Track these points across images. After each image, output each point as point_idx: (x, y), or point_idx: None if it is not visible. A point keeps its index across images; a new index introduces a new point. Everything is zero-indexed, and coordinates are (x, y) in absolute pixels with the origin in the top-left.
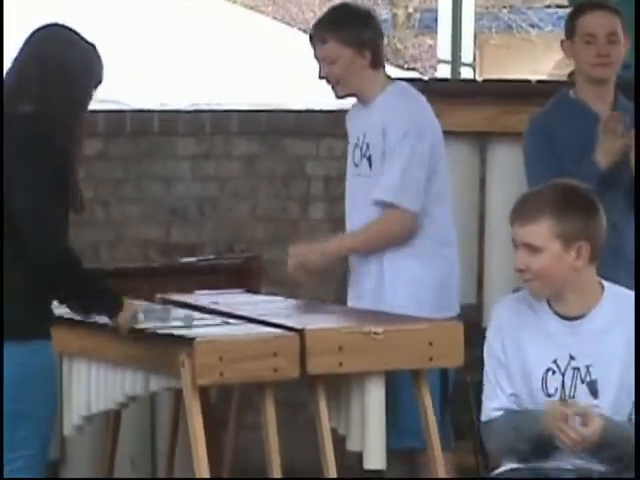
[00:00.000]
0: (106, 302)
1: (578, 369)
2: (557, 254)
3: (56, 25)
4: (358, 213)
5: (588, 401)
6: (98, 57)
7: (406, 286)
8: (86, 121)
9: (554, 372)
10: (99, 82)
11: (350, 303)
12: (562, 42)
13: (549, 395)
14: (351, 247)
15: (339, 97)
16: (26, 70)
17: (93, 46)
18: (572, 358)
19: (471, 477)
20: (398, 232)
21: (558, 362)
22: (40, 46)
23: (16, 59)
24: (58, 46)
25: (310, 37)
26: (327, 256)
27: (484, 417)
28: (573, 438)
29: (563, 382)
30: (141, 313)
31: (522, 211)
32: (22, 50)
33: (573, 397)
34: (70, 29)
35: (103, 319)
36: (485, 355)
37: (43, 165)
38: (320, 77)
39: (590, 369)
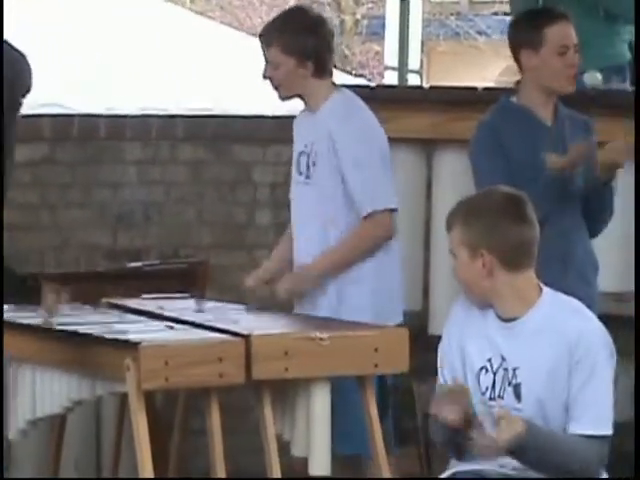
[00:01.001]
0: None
1: (507, 370)
2: (466, 261)
3: None
4: (304, 220)
5: (512, 404)
6: (27, 66)
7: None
8: (27, 125)
9: (487, 370)
10: (28, 90)
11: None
12: (517, 50)
13: (482, 393)
14: (338, 261)
15: (282, 99)
16: None
17: (23, 55)
18: (503, 359)
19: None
20: (381, 235)
21: (492, 361)
22: None
23: None
24: None
25: (259, 35)
26: (318, 277)
27: (432, 410)
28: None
29: (494, 381)
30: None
31: (447, 217)
32: None
33: (502, 397)
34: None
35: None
36: (439, 351)
37: None
38: (264, 77)
39: (517, 372)
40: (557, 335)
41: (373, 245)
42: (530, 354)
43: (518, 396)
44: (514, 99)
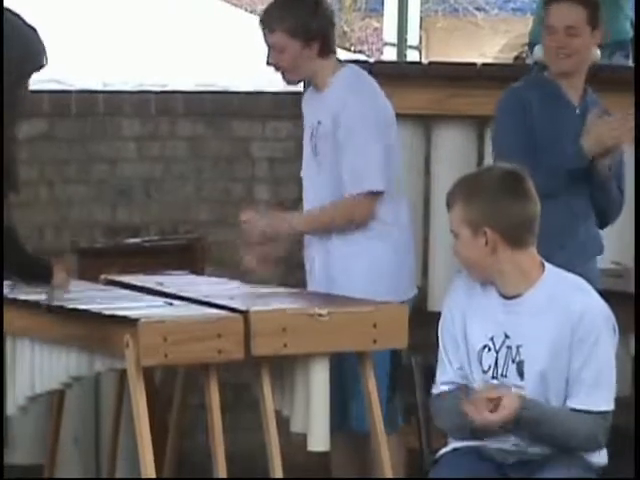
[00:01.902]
0: (40, 268)
1: (510, 348)
2: (468, 240)
3: None
4: (313, 196)
5: (515, 382)
6: (38, 41)
7: (360, 272)
8: (26, 102)
9: (490, 349)
10: (41, 66)
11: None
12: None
13: (484, 372)
14: (315, 225)
15: (289, 83)
16: None
17: (34, 29)
18: (507, 337)
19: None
20: (364, 215)
21: (494, 339)
22: None
23: None
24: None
25: (259, 22)
26: (294, 229)
27: (435, 390)
28: (479, 422)
29: (497, 360)
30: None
31: (448, 195)
32: None
33: (505, 376)
34: (10, 11)
35: (44, 298)
36: (439, 329)
37: None
38: (268, 63)
39: (520, 349)
40: (560, 312)
41: (347, 224)
42: (533, 331)
43: (521, 374)
44: (546, 74)
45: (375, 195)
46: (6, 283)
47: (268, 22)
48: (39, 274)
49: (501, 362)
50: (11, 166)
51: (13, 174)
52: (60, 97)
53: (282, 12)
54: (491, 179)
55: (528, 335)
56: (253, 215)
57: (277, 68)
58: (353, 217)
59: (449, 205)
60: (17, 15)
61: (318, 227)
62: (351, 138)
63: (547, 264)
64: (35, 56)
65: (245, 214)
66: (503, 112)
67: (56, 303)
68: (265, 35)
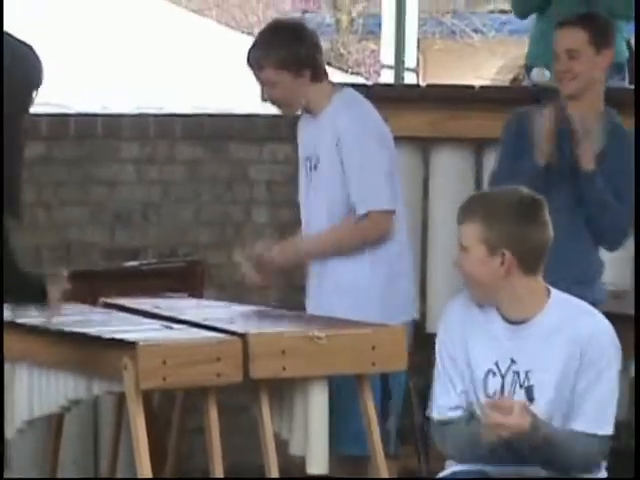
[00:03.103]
0: (37, 293)
1: (518, 373)
2: (481, 258)
3: None
4: (312, 222)
5: None
6: (36, 59)
7: (350, 293)
8: (27, 124)
9: (495, 374)
10: (38, 85)
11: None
12: None
13: (489, 396)
14: (326, 247)
15: (287, 115)
16: None
17: (31, 47)
18: (513, 362)
19: (422, 477)
20: (373, 235)
21: (499, 364)
22: None
23: None
24: None
25: (247, 61)
26: (304, 258)
27: (438, 415)
28: (492, 423)
29: (503, 385)
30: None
31: (462, 210)
32: None
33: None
34: (7, 33)
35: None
36: (437, 351)
37: None
38: (263, 100)
39: (529, 374)
40: (569, 336)
41: (362, 243)
42: (543, 356)
43: (531, 398)
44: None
45: (389, 214)
46: (6, 306)
47: (255, 60)
48: (33, 295)
49: (507, 387)
50: (16, 192)
51: (16, 200)
52: (59, 120)
53: (266, 48)
54: (512, 202)
55: (537, 360)
56: (262, 248)
57: (274, 103)
58: (367, 237)
59: (462, 220)
60: (10, 34)
61: (328, 249)
62: (356, 159)
63: (552, 289)
64: (36, 73)
65: (255, 248)
66: (501, 136)
67: (54, 325)
68: (255, 74)
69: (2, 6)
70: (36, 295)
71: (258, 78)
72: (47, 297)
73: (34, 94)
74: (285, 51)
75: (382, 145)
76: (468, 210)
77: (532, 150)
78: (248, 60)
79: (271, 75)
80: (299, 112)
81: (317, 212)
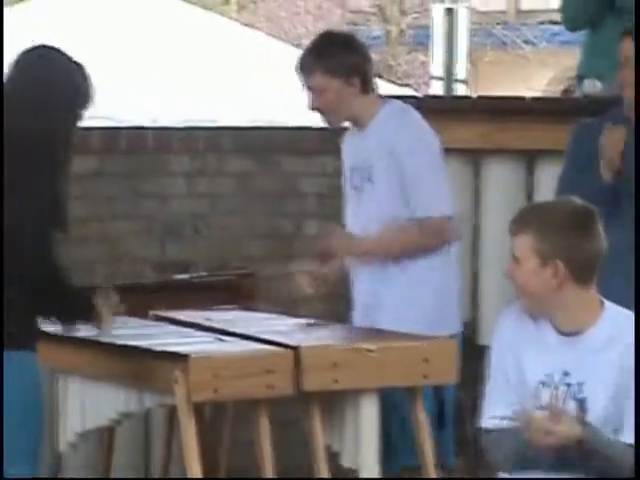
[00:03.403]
0: (85, 310)
1: (570, 385)
2: (534, 269)
3: (43, 46)
4: (361, 232)
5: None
6: (85, 76)
7: (401, 304)
8: (76, 139)
9: (547, 385)
10: (86, 103)
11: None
12: None
13: (540, 408)
14: (388, 252)
15: (332, 125)
16: (18, 90)
17: (80, 66)
18: (566, 374)
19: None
20: (434, 240)
21: (552, 376)
22: (26, 66)
23: (7, 80)
24: (49, 68)
25: (297, 68)
26: (363, 255)
27: (489, 425)
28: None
29: (555, 396)
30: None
31: (515, 221)
32: (12, 71)
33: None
34: (56, 49)
35: (93, 332)
36: (489, 362)
37: (31, 183)
38: (311, 108)
39: (582, 387)
40: (623, 349)
41: (424, 248)
42: (597, 369)
43: (583, 410)
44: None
45: (449, 219)
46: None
47: (306, 66)
48: (82, 311)
49: (560, 398)
50: (63, 207)
51: (64, 215)
52: (110, 134)
53: (318, 54)
54: (566, 213)
55: (591, 372)
56: (332, 231)
57: (320, 111)
58: (429, 242)
59: (514, 231)
60: (61, 52)
61: (390, 250)
62: (413, 167)
63: (606, 301)
64: (84, 91)
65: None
66: (566, 147)
67: (105, 338)
68: (305, 80)
69: (2, 7)
70: (85, 311)
71: (307, 84)
72: (96, 312)
73: (83, 111)
74: (336, 58)
75: (433, 155)
76: (520, 221)
77: (597, 164)
78: (299, 66)
79: (321, 81)
80: (345, 124)
81: (368, 223)
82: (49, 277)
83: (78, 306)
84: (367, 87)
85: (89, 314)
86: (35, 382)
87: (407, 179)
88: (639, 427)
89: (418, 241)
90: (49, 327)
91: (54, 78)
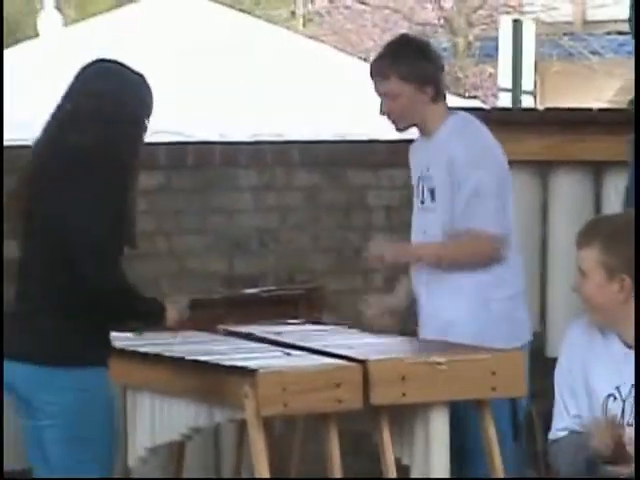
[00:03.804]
0: (156, 311)
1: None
2: (600, 283)
3: (106, 60)
4: (425, 241)
5: None
6: (148, 88)
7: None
8: (143, 154)
9: (615, 398)
10: (149, 113)
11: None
12: None
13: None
14: (438, 255)
15: (399, 130)
16: (82, 105)
17: (142, 76)
18: (634, 387)
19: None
20: (482, 255)
21: (620, 389)
22: (95, 82)
23: (68, 94)
24: (112, 81)
25: (370, 72)
26: (415, 255)
27: (551, 436)
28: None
29: (623, 409)
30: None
31: (581, 234)
32: (74, 85)
33: (631, 425)
34: (120, 63)
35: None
36: (556, 374)
37: (101, 198)
38: (381, 113)
39: None
40: None
41: (474, 262)
42: None
43: None
44: None
45: (497, 237)
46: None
47: (380, 70)
48: (152, 317)
49: (628, 411)
50: (132, 221)
51: (132, 229)
52: (177, 149)
53: (393, 58)
54: (632, 226)
55: None
56: (379, 245)
57: (390, 116)
58: (478, 255)
59: (581, 244)
60: (122, 64)
61: (443, 257)
62: (468, 182)
63: None
64: (148, 103)
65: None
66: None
67: (175, 353)
68: (377, 84)
69: (2, 10)
70: (155, 313)
71: (379, 89)
72: (166, 320)
73: (146, 122)
74: (411, 64)
75: (494, 170)
76: (587, 234)
77: None
78: (372, 70)
79: (395, 86)
80: (414, 134)
81: (431, 234)
82: (120, 292)
83: (148, 308)
84: (438, 96)
85: (160, 315)
86: (109, 397)
87: (458, 193)
88: (639, 427)
89: (469, 255)
90: (119, 342)
91: (120, 92)
